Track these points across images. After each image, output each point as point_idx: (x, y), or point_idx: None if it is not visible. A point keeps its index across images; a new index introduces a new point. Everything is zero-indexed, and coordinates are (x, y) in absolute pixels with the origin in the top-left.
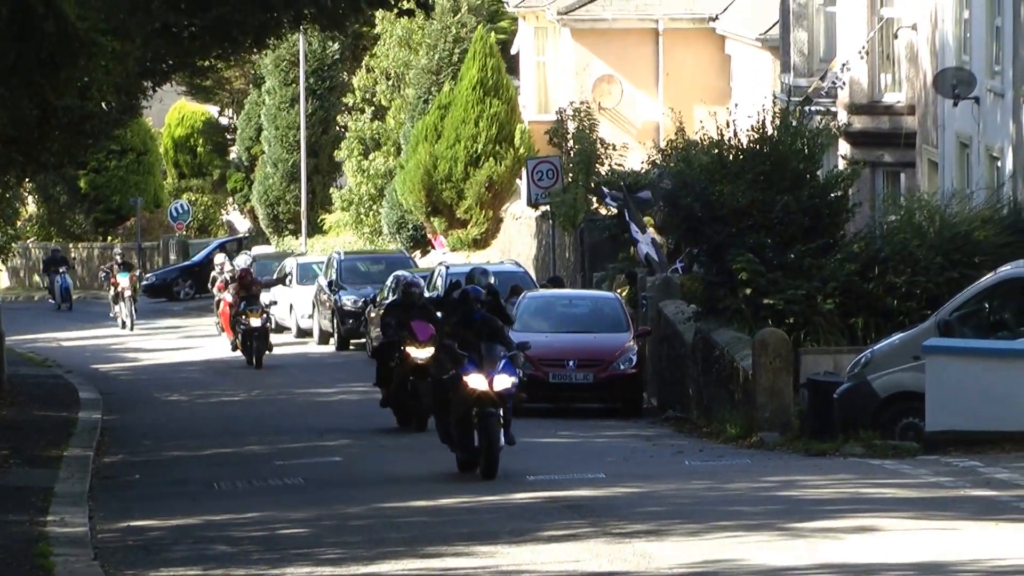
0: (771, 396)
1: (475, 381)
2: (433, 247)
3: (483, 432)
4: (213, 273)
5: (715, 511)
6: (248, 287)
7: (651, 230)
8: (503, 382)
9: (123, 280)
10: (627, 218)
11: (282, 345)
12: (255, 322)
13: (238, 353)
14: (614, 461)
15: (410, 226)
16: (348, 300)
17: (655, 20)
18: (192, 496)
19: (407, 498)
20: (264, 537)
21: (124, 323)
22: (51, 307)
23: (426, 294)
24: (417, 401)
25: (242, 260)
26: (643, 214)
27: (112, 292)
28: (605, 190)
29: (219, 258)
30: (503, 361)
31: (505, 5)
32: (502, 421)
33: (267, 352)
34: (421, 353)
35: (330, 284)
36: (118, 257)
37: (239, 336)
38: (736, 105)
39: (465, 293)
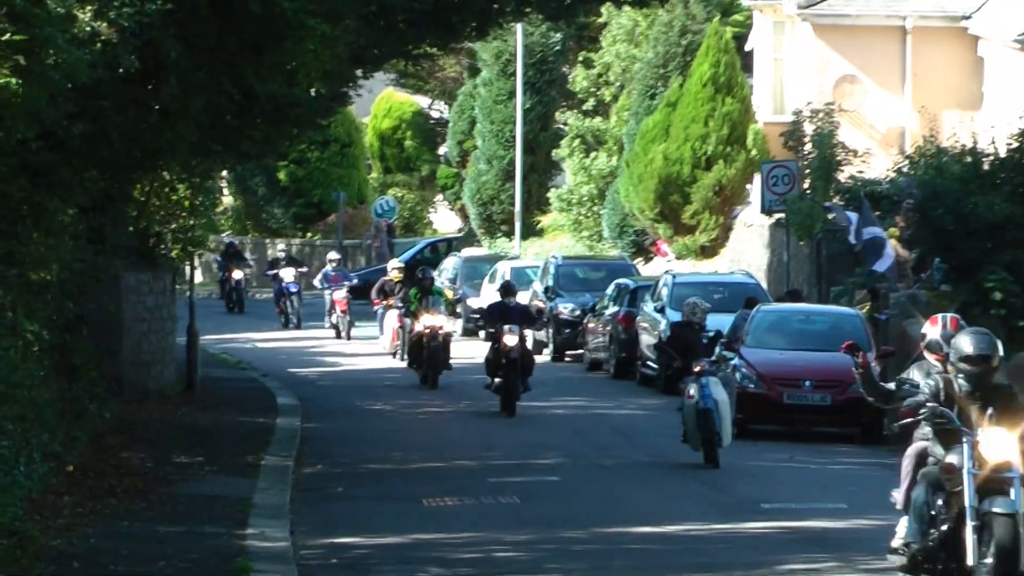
0: None
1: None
2: (656, 254)
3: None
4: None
5: None
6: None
7: (892, 241)
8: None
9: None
10: (856, 229)
11: None
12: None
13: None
14: (856, 491)
15: (631, 231)
16: (565, 308)
17: (903, 17)
18: (399, 512)
19: (630, 523)
20: (479, 559)
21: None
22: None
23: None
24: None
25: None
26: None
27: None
28: (833, 206)
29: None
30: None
31: None
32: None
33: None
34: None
35: (546, 290)
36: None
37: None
38: (993, 111)
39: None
